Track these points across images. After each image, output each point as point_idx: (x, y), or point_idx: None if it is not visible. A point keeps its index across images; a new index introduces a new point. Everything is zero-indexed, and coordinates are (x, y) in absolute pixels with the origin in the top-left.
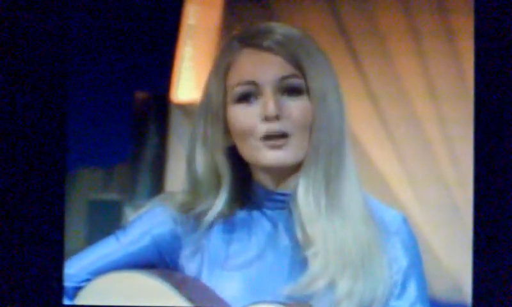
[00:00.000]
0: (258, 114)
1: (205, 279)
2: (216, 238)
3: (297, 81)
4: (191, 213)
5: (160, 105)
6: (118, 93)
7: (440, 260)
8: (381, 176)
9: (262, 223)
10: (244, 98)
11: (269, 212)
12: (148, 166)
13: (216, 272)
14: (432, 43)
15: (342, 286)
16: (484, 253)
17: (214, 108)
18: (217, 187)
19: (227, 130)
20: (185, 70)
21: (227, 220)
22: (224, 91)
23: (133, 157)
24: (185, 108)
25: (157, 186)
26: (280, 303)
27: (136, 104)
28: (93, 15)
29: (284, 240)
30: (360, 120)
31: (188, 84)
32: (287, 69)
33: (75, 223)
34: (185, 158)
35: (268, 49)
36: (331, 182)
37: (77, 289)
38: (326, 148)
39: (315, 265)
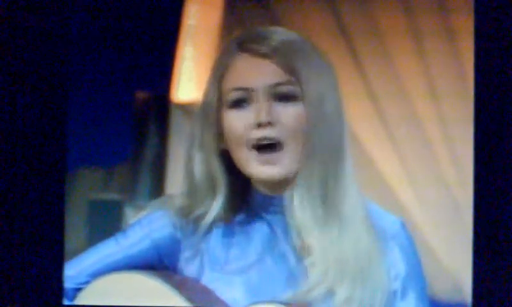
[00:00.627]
0: (251, 120)
1: (205, 282)
2: (215, 242)
3: (291, 88)
4: (189, 217)
5: (160, 105)
6: (118, 93)
7: (440, 260)
8: (381, 176)
9: (260, 227)
10: (238, 103)
11: (267, 217)
12: (148, 166)
13: (216, 275)
14: (432, 42)
15: (341, 293)
16: (484, 253)
17: (210, 110)
18: (214, 190)
19: (221, 134)
20: (186, 70)
21: (226, 224)
22: (219, 94)
23: (133, 157)
24: (186, 108)
25: (157, 186)
26: (280, 303)
27: (136, 104)
28: (93, 15)
29: (283, 245)
30: (360, 120)
31: (188, 84)
32: (282, 76)
33: (75, 223)
34: (183, 161)
35: (264, 55)
36: (329, 190)
37: (77, 290)
38: (323, 155)
39: (313, 274)
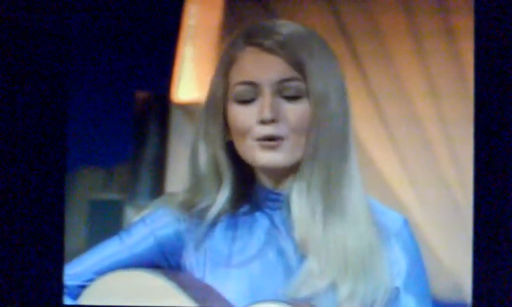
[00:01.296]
0: (255, 116)
1: (208, 275)
2: (218, 235)
3: (296, 84)
4: (193, 211)
5: (160, 105)
6: (119, 93)
7: (440, 260)
8: (381, 176)
9: (262, 222)
10: (243, 97)
11: (268, 211)
12: (148, 166)
13: (219, 269)
14: (432, 43)
15: (344, 288)
16: (484, 253)
17: (215, 103)
18: (219, 183)
19: (226, 126)
20: (186, 70)
21: (230, 218)
22: (225, 87)
23: (133, 157)
24: (186, 108)
25: (158, 186)
26: (284, 302)
27: (137, 104)
28: (93, 15)
29: (284, 240)
30: (360, 120)
31: (188, 84)
32: (288, 72)
33: (75, 223)
34: (189, 153)
35: (270, 50)
36: (331, 186)
37: (82, 288)
38: (326, 151)
39: (309, 266)
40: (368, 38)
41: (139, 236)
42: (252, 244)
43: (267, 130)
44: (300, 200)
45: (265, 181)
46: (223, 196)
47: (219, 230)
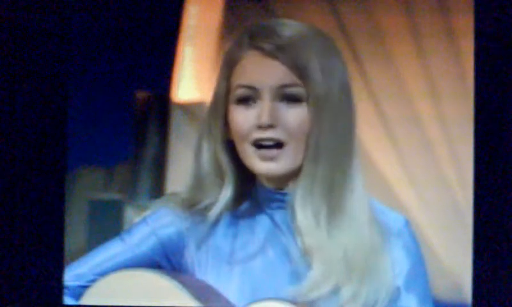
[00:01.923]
0: (254, 120)
1: (210, 274)
2: (220, 232)
3: (297, 90)
4: (194, 210)
5: (160, 105)
6: (119, 93)
7: (440, 260)
8: (381, 176)
9: (263, 221)
10: (244, 100)
11: (269, 211)
12: (148, 166)
13: (220, 266)
14: (432, 43)
15: (347, 290)
16: (484, 253)
17: (218, 102)
18: (220, 181)
19: (227, 126)
20: (186, 70)
21: (231, 215)
22: (227, 88)
23: (133, 157)
24: (186, 108)
25: (158, 186)
26: (285, 301)
27: (137, 104)
28: (93, 15)
29: (285, 239)
30: (360, 120)
31: (188, 84)
32: (288, 77)
33: (75, 223)
34: (193, 151)
35: (271, 55)
36: (335, 190)
37: (84, 288)
38: (328, 155)
39: (316, 272)
40: (368, 38)
41: (141, 236)
42: (253, 242)
43: (265, 134)
44: (304, 208)
45: (266, 181)
46: (225, 195)
47: (220, 228)
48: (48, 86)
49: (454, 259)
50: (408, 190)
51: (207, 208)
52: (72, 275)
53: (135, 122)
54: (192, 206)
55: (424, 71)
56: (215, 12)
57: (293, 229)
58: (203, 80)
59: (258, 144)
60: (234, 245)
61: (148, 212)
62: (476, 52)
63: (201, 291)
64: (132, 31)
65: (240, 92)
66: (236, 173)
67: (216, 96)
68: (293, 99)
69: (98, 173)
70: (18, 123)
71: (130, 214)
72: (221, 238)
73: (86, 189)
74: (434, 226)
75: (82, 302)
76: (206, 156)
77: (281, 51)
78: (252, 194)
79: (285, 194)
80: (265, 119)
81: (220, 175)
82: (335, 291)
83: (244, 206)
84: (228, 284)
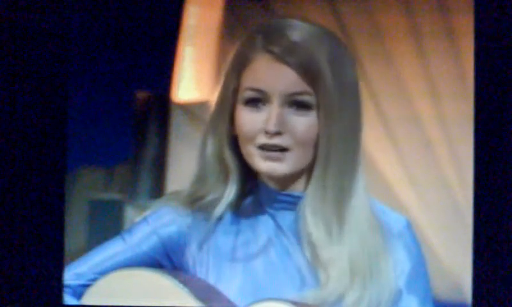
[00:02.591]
0: (261, 124)
1: (211, 272)
2: (222, 230)
3: (307, 98)
4: (197, 206)
5: (160, 105)
6: (119, 93)
7: (440, 260)
8: (381, 177)
9: (265, 221)
10: (252, 102)
11: (271, 211)
12: (148, 166)
13: (222, 264)
14: (432, 43)
15: (351, 295)
16: (484, 253)
17: (225, 99)
18: (224, 177)
19: (233, 123)
20: (186, 70)
21: (233, 213)
22: (236, 86)
23: (133, 157)
24: (186, 108)
25: (158, 186)
26: (286, 301)
27: (137, 104)
28: (93, 15)
29: (288, 241)
30: None
31: (188, 84)
32: (299, 85)
33: (75, 223)
34: (198, 146)
35: (283, 61)
36: (343, 197)
37: (85, 287)
38: (338, 162)
39: (328, 286)
40: (368, 38)
41: (142, 235)
42: (255, 242)
43: (271, 141)
44: (316, 220)
45: (269, 181)
46: (229, 193)
47: (222, 226)
48: (48, 86)
49: (454, 259)
50: (408, 190)
51: (210, 205)
52: (72, 274)
53: (135, 122)
54: (195, 201)
55: (424, 71)
56: (215, 12)
57: (300, 236)
58: (203, 80)
59: (263, 147)
60: (236, 243)
61: (148, 211)
62: (476, 52)
63: (202, 290)
64: (132, 31)
65: (249, 94)
66: (240, 170)
67: (224, 93)
68: (303, 106)
69: (98, 173)
70: (18, 123)
71: (130, 214)
72: (222, 236)
73: (86, 189)
74: (434, 226)
75: (83, 301)
76: (210, 151)
77: (293, 57)
78: (254, 193)
79: (288, 195)
80: (272, 126)
81: (224, 171)
82: (339, 298)
83: (246, 204)
84: (229, 284)
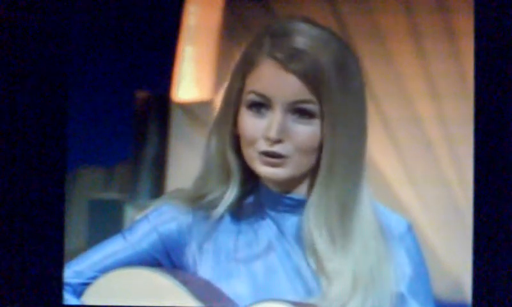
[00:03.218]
0: (263, 129)
1: (211, 272)
2: (223, 230)
3: (310, 106)
4: (199, 205)
5: (160, 105)
6: (119, 93)
7: (440, 260)
8: (381, 177)
9: (266, 223)
10: (255, 107)
11: (273, 213)
12: (148, 166)
13: (222, 264)
14: (432, 43)
15: (353, 303)
16: (484, 253)
17: (230, 99)
18: (227, 176)
19: (236, 122)
20: (186, 70)
21: (233, 213)
22: (241, 88)
23: (133, 157)
24: (186, 108)
25: (158, 185)
26: (287, 302)
27: (137, 104)
28: (93, 14)
29: (289, 244)
30: None
31: (188, 84)
32: (303, 93)
33: (75, 223)
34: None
35: (288, 68)
36: (347, 205)
37: (85, 285)
38: (343, 171)
39: (330, 296)
40: (368, 38)
41: (142, 233)
42: (256, 243)
43: (272, 148)
44: (320, 231)
45: (270, 184)
46: (231, 193)
47: (223, 225)
48: (48, 86)
49: (454, 259)
50: (408, 190)
51: (211, 204)
52: (72, 271)
53: (135, 122)
54: (197, 200)
55: (424, 71)
56: (215, 12)
57: (303, 242)
58: (203, 80)
59: (263, 153)
60: (237, 244)
61: (149, 209)
62: (476, 52)
63: (202, 289)
64: (132, 31)
65: (252, 97)
66: (242, 171)
67: (229, 92)
68: (306, 114)
69: (98, 173)
70: (18, 123)
71: (130, 214)
72: (223, 235)
73: (86, 189)
74: (434, 225)
75: (83, 301)
76: (214, 150)
77: (298, 64)
78: (255, 194)
79: (290, 198)
80: (273, 134)
81: (226, 171)
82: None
83: (247, 205)
84: (229, 284)
